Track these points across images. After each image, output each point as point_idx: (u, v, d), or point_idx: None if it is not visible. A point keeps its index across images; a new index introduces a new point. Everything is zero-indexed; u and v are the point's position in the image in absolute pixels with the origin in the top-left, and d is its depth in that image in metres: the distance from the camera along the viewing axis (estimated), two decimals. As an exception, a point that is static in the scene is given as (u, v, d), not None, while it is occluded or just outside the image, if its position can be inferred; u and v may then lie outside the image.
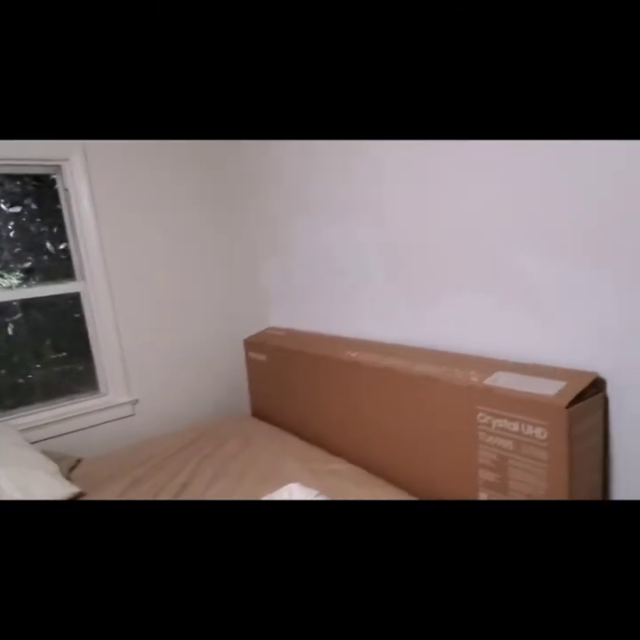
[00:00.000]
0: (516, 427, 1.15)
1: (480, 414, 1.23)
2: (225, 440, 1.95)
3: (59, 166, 2.06)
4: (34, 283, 2.07)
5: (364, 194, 1.70)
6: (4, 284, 2.01)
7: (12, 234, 2.02)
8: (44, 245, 2.10)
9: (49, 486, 1.52)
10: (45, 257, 2.10)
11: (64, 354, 2.16)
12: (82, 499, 1.56)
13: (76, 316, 2.15)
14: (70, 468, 1.82)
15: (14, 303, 2.03)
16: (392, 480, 1.50)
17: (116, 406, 2.21)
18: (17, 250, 2.03)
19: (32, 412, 2.06)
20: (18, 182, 2.02)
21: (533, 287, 1.26)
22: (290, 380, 2.01)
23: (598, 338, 1.14)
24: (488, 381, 1.24)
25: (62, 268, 2.13)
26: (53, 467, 1.65)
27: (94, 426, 2.16)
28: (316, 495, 1.24)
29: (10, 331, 2.03)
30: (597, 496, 1.16)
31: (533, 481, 1.13)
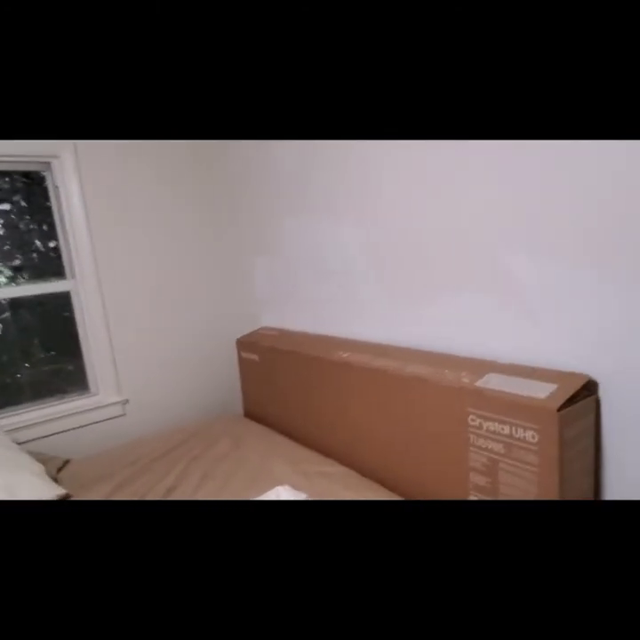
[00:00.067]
0: (506, 430, 1.13)
1: (471, 416, 1.21)
2: (215, 441, 1.93)
3: (48, 163, 2.04)
4: (23, 281, 2.04)
5: (355, 194, 1.69)
6: (-8, 282, 1.99)
7: (0, 231, 1.99)
8: (34, 243, 2.07)
9: (34, 488, 1.50)
10: (35, 255, 2.07)
11: (53, 353, 2.13)
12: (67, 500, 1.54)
13: (66, 314, 2.12)
14: (58, 469, 1.80)
15: (3, 302, 2.00)
16: (383, 482, 1.48)
17: (106, 406, 2.18)
18: (5, 248, 2.00)
19: (20, 411, 2.04)
20: (6, 179, 1.99)
21: (525, 288, 1.24)
22: (282, 380, 1.99)
23: (591, 339, 1.13)
24: (479, 383, 1.22)
25: (52, 266, 2.10)
26: (39, 468, 1.62)
27: (84, 426, 2.14)
28: (304, 498, 1.22)
29: (-2, 329, 2.01)
30: (589, 500, 1.15)
31: (524, 485, 1.11)
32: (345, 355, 1.66)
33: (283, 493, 1.23)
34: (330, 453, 1.72)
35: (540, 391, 1.10)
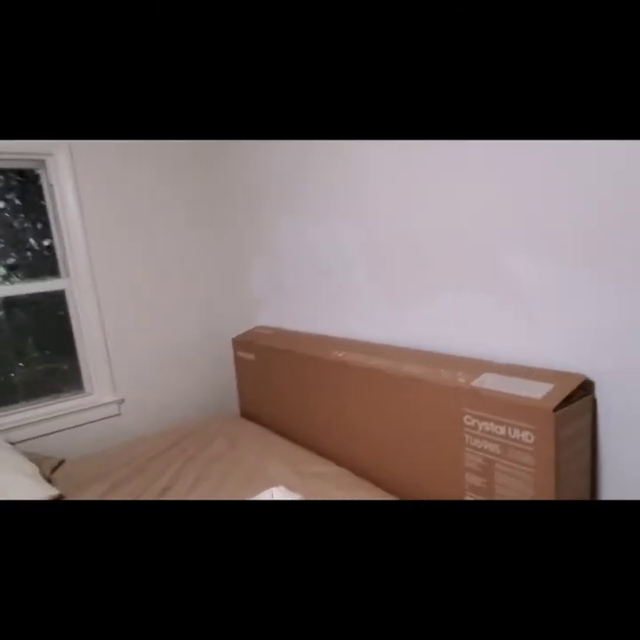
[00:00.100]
0: (502, 430, 1.12)
1: (466, 417, 1.20)
2: (210, 441, 1.91)
3: (43, 161, 2.02)
4: (17, 280, 2.03)
5: (351, 194, 1.68)
6: (-15, 281, 1.97)
7: (-6, 230, 1.98)
8: (28, 242, 2.05)
9: (26, 489, 1.49)
10: (29, 253, 2.06)
11: (48, 352, 2.12)
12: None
13: (61, 313, 2.11)
14: (52, 470, 1.78)
15: (-4, 300, 1.99)
16: (378, 482, 1.47)
17: (101, 406, 2.17)
18: (0, 246, 1.99)
19: (14, 411, 2.02)
20: (1, 177, 1.98)
21: (523, 288, 1.23)
22: (277, 379, 1.98)
23: (588, 339, 1.12)
24: (475, 383, 1.21)
25: (46, 264, 2.09)
26: (33, 468, 1.61)
27: (79, 426, 2.12)
28: (298, 498, 1.21)
29: (-8, 328, 2.00)
30: (585, 501, 1.14)
31: (519, 486, 1.10)
32: (341, 354, 1.65)
33: (277, 494, 1.22)
34: (326, 453, 1.71)
35: (536, 391, 1.09)
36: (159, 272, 2.32)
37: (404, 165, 1.47)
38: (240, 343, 2.23)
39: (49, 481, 1.66)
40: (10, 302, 2.01)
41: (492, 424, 1.14)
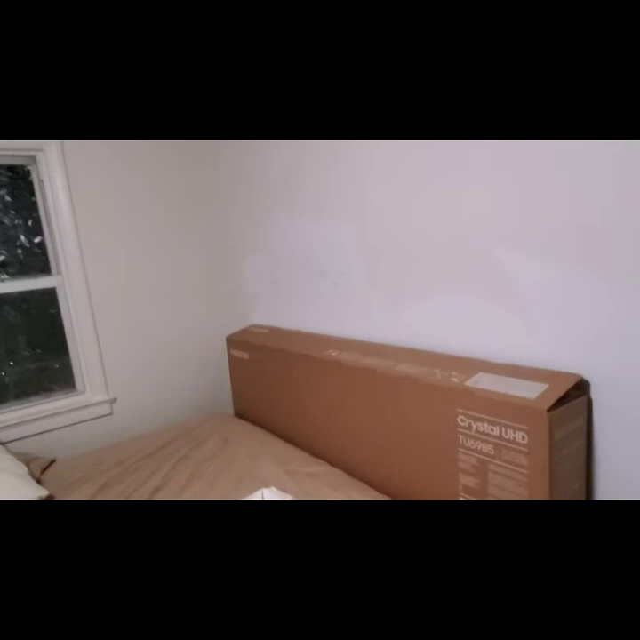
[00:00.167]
0: (496, 430, 1.10)
1: (460, 417, 1.18)
2: (203, 440, 1.90)
3: (33, 157, 1.99)
4: (7, 277, 2.00)
5: (347, 193, 1.66)
6: (-25, 279, 1.95)
7: (-16, 226, 1.96)
8: (19, 238, 2.03)
9: (15, 489, 1.46)
10: (19, 251, 2.03)
11: (39, 350, 2.09)
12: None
13: (52, 311, 2.08)
14: (42, 470, 1.76)
15: (-14, 298, 1.96)
16: (372, 482, 1.46)
17: (93, 405, 2.15)
18: (-11, 243, 1.96)
19: (5, 410, 2.00)
20: (-10, 173, 1.95)
21: (517, 287, 1.21)
22: (271, 378, 1.96)
23: (583, 339, 1.10)
24: (469, 383, 1.19)
25: (37, 262, 2.06)
26: (22, 468, 1.59)
27: (71, 425, 2.10)
28: (289, 499, 1.19)
29: (-18, 327, 1.97)
30: (580, 502, 1.12)
31: (513, 487, 1.08)
32: (334, 353, 1.63)
33: (267, 495, 1.20)
34: (320, 453, 1.69)
35: (531, 391, 1.07)
36: (152, 270, 2.29)
37: (401, 165, 1.45)
38: (234, 342, 2.21)
39: (38, 481, 1.64)
40: (0, 300, 1.98)
41: (485, 424, 1.12)
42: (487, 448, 1.13)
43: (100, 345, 2.15)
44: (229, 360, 2.27)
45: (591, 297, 1.07)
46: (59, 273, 2.08)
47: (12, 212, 2.01)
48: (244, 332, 2.23)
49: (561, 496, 1.05)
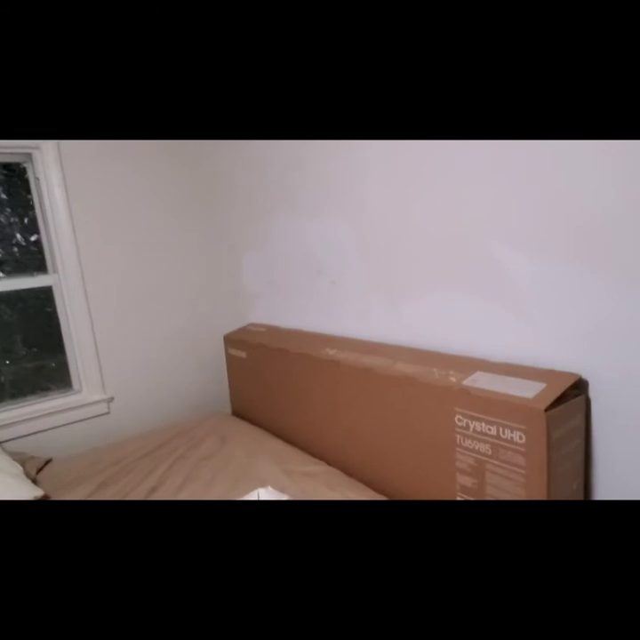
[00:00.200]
0: (493, 430, 1.09)
1: (458, 416, 1.17)
2: (201, 440, 1.89)
3: (29, 154, 1.98)
4: (3, 275, 1.99)
5: (345, 192, 1.65)
6: (-29, 277, 1.93)
7: (-21, 225, 1.94)
8: (14, 237, 2.01)
9: (11, 489, 1.45)
10: (15, 249, 2.02)
11: (35, 349, 2.08)
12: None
13: (48, 310, 2.07)
14: (38, 470, 1.75)
15: (-18, 297, 1.95)
16: (369, 482, 1.45)
17: (90, 404, 2.13)
18: (-15, 241, 1.95)
19: (1, 410, 1.98)
20: (-14, 171, 1.94)
21: (515, 286, 1.20)
22: (269, 377, 1.95)
23: (582, 337, 1.09)
24: (466, 382, 1.18)
25: (34, 260, 2.05)
26: (17, 468, 1.58)
27: (67, 424, 2.09)
28: (285, 499, 1.18)
29: (-22, 325, 1.96)
30: (578, 502, 1.11)
31: (511, 487, 1.07)
32: (332, 352, 1.62)
33: (263, 496, 1.19)
34: (318, 452, 1.68)
35: (528, 390, 1.06)
36: (150, 268, 2.28)
37: (400, 164, 1.44)
38: (231, 340, 2.20)
39: (34, 481, 1.63)
40: (-4, 299, 1.97)
41: (483, 424, 1.11)
42: (485, 448, 1.12)
43: (97, 344, 2.14)
44: (227, 359, 2.26)
45: (590, 295, 1.06)
46: (55, 271, 2.07)
47: (8, 209, 1.99)
48: (242, 330, 2.22)
49: (559, 496, 1.05)
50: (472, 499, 1.17)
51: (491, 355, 1.29)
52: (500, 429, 1.08)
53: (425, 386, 1.26)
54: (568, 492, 1.08)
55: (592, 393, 1.09)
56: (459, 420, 1.17)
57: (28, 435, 2.00)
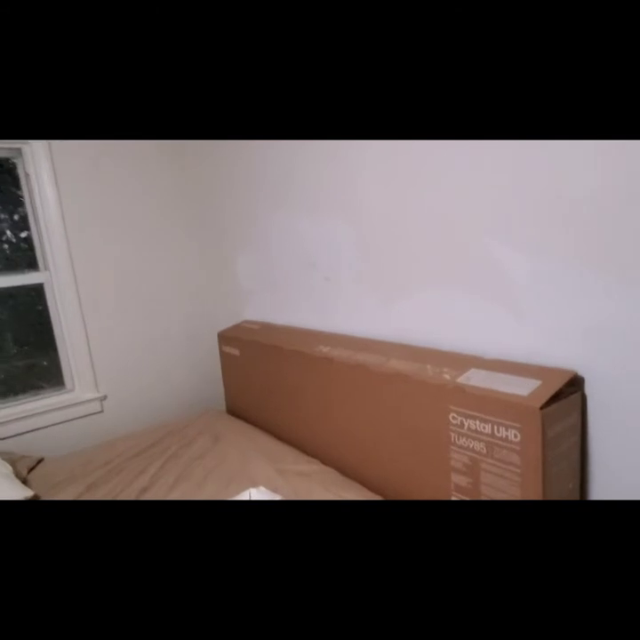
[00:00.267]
0: (488, 428, 1.07)
1: (452, 414, 1.15)
2: (194, 439, 1.86)
3: (19, 149, 1.95)
4: (-7, 273, 1.97)
5: (340, 189, 1.62)
6: (-40, 275, 1.90)
7: (-32, 221, 1.92)
8: (5, 234, 1.99)
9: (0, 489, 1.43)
10: (6, 246, 1.99)
11: (26, 348, 2.05)
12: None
13: (39, 308, 2.05)
14: (29, 469, 1.73)
15: (-28, 294, 1.92)
16: (364, 481, 1.43)
17: (82, 403, 2.11)
18: (-26, 238, 1.92)
19: (-8, 408, 1.97)
20: (-26, 166, 1.91)
21: (511, 282, 1.18)
22: (262, 375, 1.93)
23: (577, 334, 1.07)
24: (461, 379, 1.16)
25: (24, 257, 2.02)
26: (7, 468, 1.56)
27: (59, 423, 2.07)
28: (277, 499, 1.16)
29: (-32, 323, 1.93)
30: (574, 502, 1.09)
31: (506, 486, 1.05)
32: (326, 349, 1.60)
33: (255, 496, 1.17)
34: (312, 451, 1.66)
35: (523, 388, 1.04)
36: (143, 265, 2.26)
37: (396, 162, 1.41)
38: (225, 338, 2.18)
39: (25, 481, 1.61)
40: (-14, 296, 1.95)
41: (477, 422, 1.09)
42: (479, 446, 1.10)
43: (90, 341, 2.11)
44: (221, 356, 2.24)
45: (585, 292, 1.04)
46: (46, 269, 2.04)
47: (-2, 206, 1.97)
48: (236, 327, 2.20)
49: (555, 496, 1.03)
50: (467, 498, 1.15)
51: (485, 351, 1.27)
52: (495, 427, 1.06)
53: (419, 383, 1.24)
54: (564, 491, 1.06)
55: (588, 390, 1.07)
56: (453, 417, 1.15)
57: (21, 434, 1.98)
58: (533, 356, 1.15)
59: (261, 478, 1.46)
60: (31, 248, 2.03)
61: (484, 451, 1.09)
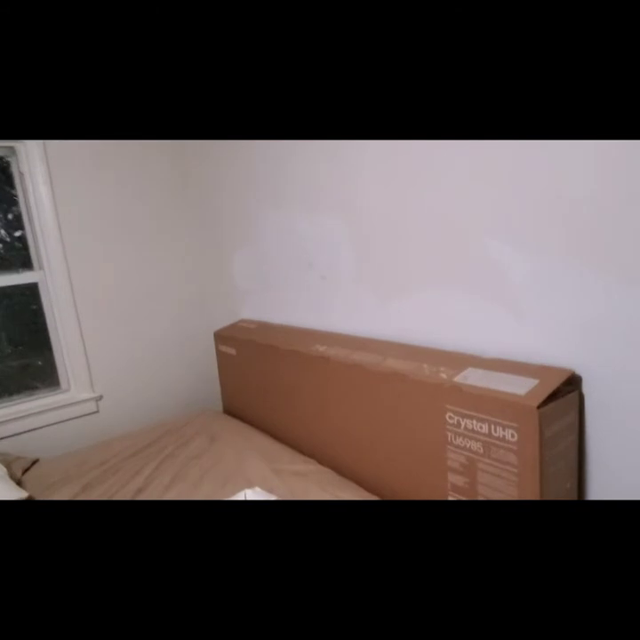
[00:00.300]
0: (485, 428, 1.06)
1: (449, 414, 1.14)
2: (190, 439, 1.85)
3: (13, 148, 1.94)
4: (-13, 273, 1.95)
5: (337, 186, 1.61)
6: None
7: (-38, 220, 1.90)
8: (-1, 233, 1.97)
9: (-7, 491, 1.42)
10: (0, 245, 1.97)
11: (21, 348, 2.04)
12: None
13: (34, 307, 2.03)
14: (24, 470, 1.72)
15: (-34, 294, 1.91)
16: (360, 481, 1.42)
17: (78, 403, 2.10)
18: (-32, 237, 1.91)
19: (-14, 409, 1.95)
20: (-33, 165, 1.89)
21: (508, 281, 1.17)
22: (259, 374, 1.92)
23: (575, 332, 1.06)
24: (457, 379, 1.15)
25: (19, 256, 2.01)
26: (1, 470, 1.54)
27: (55, 424, 2.05)
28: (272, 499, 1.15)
29: (-39, 323, 1.92)
30: (572, 501, 1.08)
31: (503, 486, 1.04)
32: (322, 348, 1.58)
33: (251, 497, 1.16)
34: (308, 450, 1.65)
35: (520, 387, 1.03)
36: (139, 264, 2.24)
37: (393, 160, 1.40)
38: (222, 337, 2.17)
39: (19, 482, 1.60)
40: (-20, 296, 1.93)
41: (474, 422, 1.08)
42: (476, 446, 1.09)
43: (85, 341, 2.10)
44: (217, 356, 2.22)
45: (583, 290, 1.03)
46: (41, 268, 2.02)
47: (-8, 205, 1.95)
48: (232, 327, 2.19)
49: (552, 496, 1.02)
50: (464, 498, 1.14)
51: (482, 350, 1.26)
52: (492, 427, 1.05)
53: (415, 383, 1.23)
54: (562, 491, 1.05)
55: (586, 388, 1.06)
56: (450, 417, 1.14)
57: (16, 434, 1.96)
58: (533, 356, 1.14)
59: (257, 478, 1.45)
60: (25, 247, 2.01)
61: (481, 450, 1.08)
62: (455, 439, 1.14)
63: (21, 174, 1.96)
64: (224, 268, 2.33)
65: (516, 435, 1.00)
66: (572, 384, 1.05)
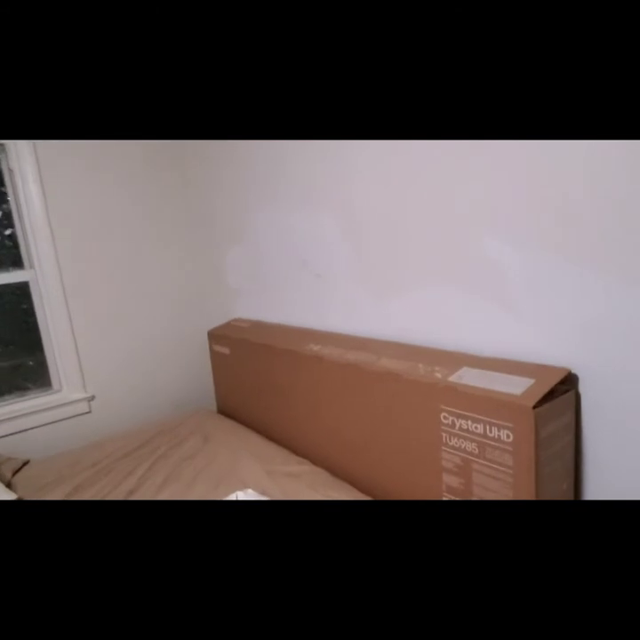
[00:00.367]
0: (480, 428, 1.05)
1: (443, 414, 1.13)
2: (183, 439, 1.83)
3: (2, 145, 1.90)
4: (-24, 271, 1.92)
5: (332, 184, 1.59)
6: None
7: (-50, 218, 1.87)
8: (-12, 231, 1.94)
9: (-19, 493, 1.40)
10: (-11, 243, 1.95)
11: (12, 347, 2.01)
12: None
13: (25, 307, 2.00)
14: (14, 472, 1.69)
15: (-45, 293, 1.88)
16: (354, 481, 1.40)
17: (70, 403, 2.07)
18: (-44, 236, 1.88)
19: (-24, 410, 1.92)
20: (-44, 162, 1.86)
21: (504, 279, 1.16)
22: (253, 374, 1.90)
23: (572, 332, 1.05)
24: (453, 378, 1.13)
25: (9, 255, 1.98)
26: (-10, 471, 1.52)
27: (46, 424, 2.03)
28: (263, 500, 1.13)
29: (-50, 323, 1.89)
30: (568, 502, 1.07)
31: (498, 487, 1.03)
32: (316, 348, 1.57)
33: (242, 498, 1.14)
34: (302, 451, 1.63)
35: (516, 387, 1.01)
36: (131, 264, 2.21)
37: (389, 158, 1.38)
38: (215, 336, 2.14)
39: (9, 484, 1.57)
40: (-31, 295, 1.90)
41: (469, 422, 1.07)
42: (471, 446, 1.07)
43: (77, 341, 2.07)
44: (211, 355, 2.20)
45: (580, 289, 1.02)
46: (31, 267, 2.00)
47: (-20, 202, 1.92)
48: (226, 326, 2.16)
49: (548, 496, 1.00)
50: (458, 499, 1.12)
51: (478, 349, 1.24)
52: (487, 427, 1.03)
53: (410, 382, 1.21)
54: (558, 491, 1.04)
55: (582, 388, 1.05)
56: (444, 417, 1.13)
57: (6, 435, 1.94)
58: (532, 356, 1.13)
59: (251, 479, 1.43)
60: (16, 245, 1.98)
61: (476, 451, 1.06)
62: (450, 439, 1.12)
63: (11, 171, 1.93)
64: (217, 266, 2.31)
65: (511, 435, 0.99)
66: (568, 383, 1.04)
